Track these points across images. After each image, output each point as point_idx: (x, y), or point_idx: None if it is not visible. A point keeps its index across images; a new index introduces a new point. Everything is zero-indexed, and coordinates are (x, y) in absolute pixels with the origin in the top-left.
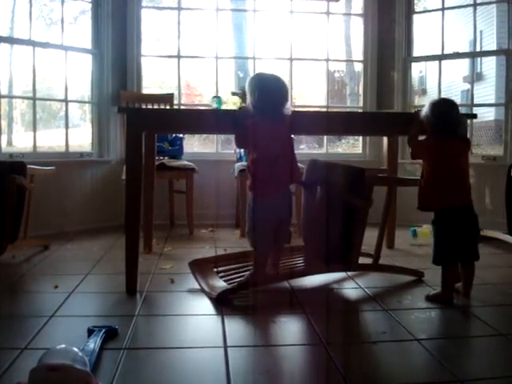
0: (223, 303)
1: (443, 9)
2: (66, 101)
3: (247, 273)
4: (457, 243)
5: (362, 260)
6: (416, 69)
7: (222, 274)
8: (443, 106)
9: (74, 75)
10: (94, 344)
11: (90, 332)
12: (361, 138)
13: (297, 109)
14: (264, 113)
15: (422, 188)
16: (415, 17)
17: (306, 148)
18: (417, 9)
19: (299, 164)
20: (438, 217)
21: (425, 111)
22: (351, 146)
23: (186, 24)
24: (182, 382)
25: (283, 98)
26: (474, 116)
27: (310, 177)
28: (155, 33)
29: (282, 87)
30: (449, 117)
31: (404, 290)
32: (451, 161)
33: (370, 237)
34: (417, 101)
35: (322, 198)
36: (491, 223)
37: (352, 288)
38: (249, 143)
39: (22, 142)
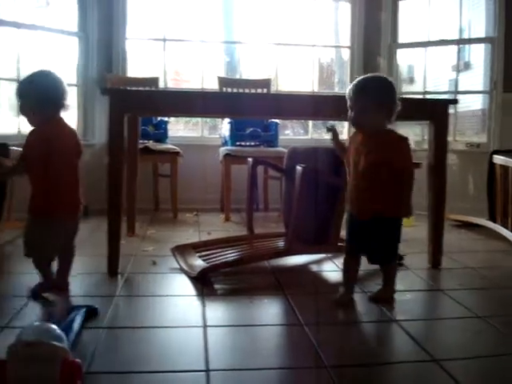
0: (203, 282)
1: None
2: None
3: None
4: None
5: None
6: (404, 56)
7: (203, 258)
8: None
9: (60, 58)
10: (73, 322)
11: (71, 311)
12: (346, 123)
13: None
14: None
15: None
16: (401, 3)
17: (291, 134)
18: None
19: (281, 148)
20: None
21: (387, 93)
22: None
23: (173, 7)
24: (160, 360)
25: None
26: (455, 101)
27: (289, 164)
28: (141, 15)
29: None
30: None
31: None
32: None
33: None
34: (404, 88)
35: (302, 181)
36: (473, 209)
37: (332, 271)
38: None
39: (6, 125)
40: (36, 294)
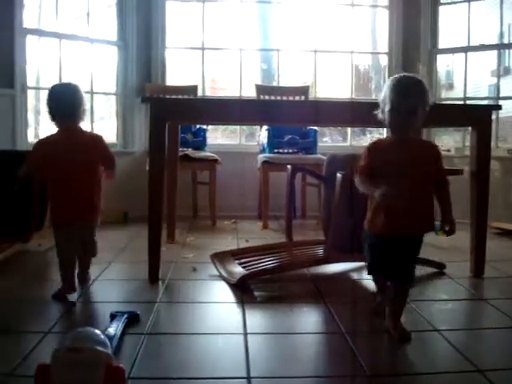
0: (242, 289)
1: (470, 0)
2: (91, 93)
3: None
4: None
5: None
6: (443, 62)
7: (243, 265)
8: None
9: (100, 67)
10: (115, 328)
11: (113, 317)
12: (385, 130)
13: None
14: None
15: None
16: (441, 8)
17: (330, 141)
18: (442, 0)
19: (320, 155)
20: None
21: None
22: None
23: (211, 16)
24: (201, 366)
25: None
26: (499, 107)
27: (329, 171)
28: (180, 25)
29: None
30: None
31: (425, 281)
32: None
33: None
34: (443, 94)
35: (342, 188)
36: None
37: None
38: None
39: (48, 134)
40: (56, 297)
